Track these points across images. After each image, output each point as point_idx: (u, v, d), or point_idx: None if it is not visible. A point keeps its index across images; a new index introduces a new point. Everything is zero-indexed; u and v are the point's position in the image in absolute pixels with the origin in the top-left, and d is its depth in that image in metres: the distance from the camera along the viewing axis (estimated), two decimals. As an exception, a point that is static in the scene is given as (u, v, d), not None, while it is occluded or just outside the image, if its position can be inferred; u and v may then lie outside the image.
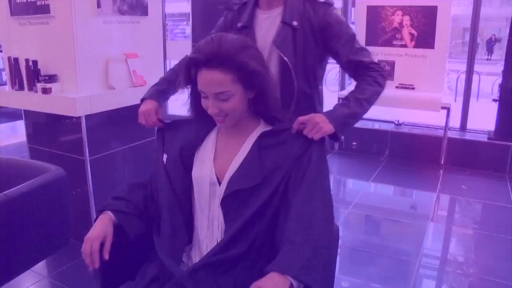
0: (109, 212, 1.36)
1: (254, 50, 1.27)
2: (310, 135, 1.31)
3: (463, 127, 4.79)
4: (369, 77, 1.56)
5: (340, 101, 1.56)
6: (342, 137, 1.46)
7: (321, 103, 1.75)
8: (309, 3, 1.58)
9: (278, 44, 1.57)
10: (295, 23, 1.57)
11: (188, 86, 1.33)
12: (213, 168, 1.32)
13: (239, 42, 1.23)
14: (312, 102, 1.70)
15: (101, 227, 1.33)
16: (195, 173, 1.35)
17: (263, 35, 1.63)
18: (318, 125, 1.32)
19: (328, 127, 1.36)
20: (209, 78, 1.19)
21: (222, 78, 1.18)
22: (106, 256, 1.29)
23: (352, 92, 1.55)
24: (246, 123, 1.33)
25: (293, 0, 1.58)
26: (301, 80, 1.61)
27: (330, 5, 1.59)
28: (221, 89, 1.20)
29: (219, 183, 1.30)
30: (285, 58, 1.57)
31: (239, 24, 1.66)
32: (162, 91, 1.69)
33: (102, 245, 1.30)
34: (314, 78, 1.66)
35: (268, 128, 1.34)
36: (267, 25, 1.63)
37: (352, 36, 1.61)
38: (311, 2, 1.58)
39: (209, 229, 1.32)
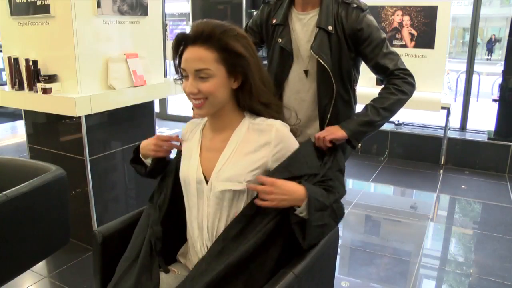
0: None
1: (242, 37, 1.24)
2: (322, 136, 1.47)
3: (463, 127, 4.79)
4: (392, 85, 1.61)
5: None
6: (359, 144, 1.57)
7: (356, 103, 1.80)
8: (343, 7, 1.60)
9: (316, 49, 1.59)
10: (330, 27, 1.58)
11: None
12: (199, 166, 1.30)
13: (228, 26, 1.23)
14: (349, 103, 1.73)
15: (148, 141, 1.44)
16: (182, 171, 1.34)
17: (298, 35, 1.66)
18: (330, 131, 1.50)
19: (340, 133, 1.52)
20: (192, 54, 1.19)
21: (205, 55, 1.18)
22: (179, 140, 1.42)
23: (372, 100, 1.62)
24: (231, 118, 1.30)
25: (328, 4, 1.60)
26: (338, 83, 1.64)
27: (363, 10, 1.60)
28: (201, 66, 1.18)
29: (206, 181, 1.28)
30: (324, 64, 1.59)
31: (274, 21, 1.68)
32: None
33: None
34: (350, 81, 1.68)
35: (253, 119, 1.30)
36: (301, 26, 1.66)
37: (382, 41, 1.62)
38: (345, 7, 1.60)
39: (200, 230, 1.30)
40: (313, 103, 1.71)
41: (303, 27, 1.66)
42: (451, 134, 4.58)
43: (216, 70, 1.19)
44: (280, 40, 1.68)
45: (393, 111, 1.62)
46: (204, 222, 1.28)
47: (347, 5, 1.60)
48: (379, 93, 1.64)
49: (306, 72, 1.68)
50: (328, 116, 1.68)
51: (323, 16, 1.59)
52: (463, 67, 5.07)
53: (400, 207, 3.57)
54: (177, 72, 1.31)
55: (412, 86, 1.64)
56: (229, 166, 1.25)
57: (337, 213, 1.30)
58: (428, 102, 4.18)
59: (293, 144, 1.30)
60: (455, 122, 4.81)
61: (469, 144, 4.48)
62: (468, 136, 4.60)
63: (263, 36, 1.81)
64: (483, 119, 5.64)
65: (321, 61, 1.59)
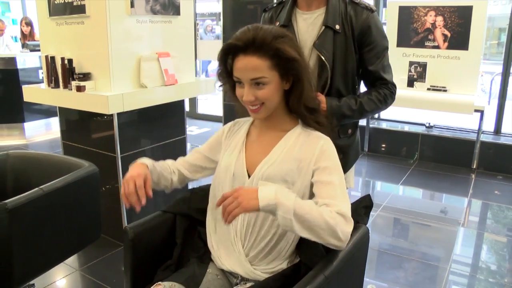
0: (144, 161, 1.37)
1: (290, 39, 1.27)
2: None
3: (497, 130, 4.65)
4: (382, 92, 1.61)
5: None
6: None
7: None
8: (351, 6, 1.57)
9: (318, 45, 1.57)
10: (337, 26, 1.56)
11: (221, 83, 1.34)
12: (244, 159, 1.33)
13: (275, 30, 1.25)
14: None
15: (138, 168, 1.31)
16: (224, 162, 1.36)
17: (303, 35, 1.63)
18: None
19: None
20: (246, 64, 1.21)
21: (259, 64, 1.20)
22: (150, 192, 1.27)
23: (364, 96, 1.62)
24: (282, 119, 1.33)
25: (334, 3, 1.57)
26: (339, 82, 1.61)
27: (373, 11, 1.58)
28: (257, 75, 1.21)
29: (248, 175, 1.31)
30: (323, 58, 1.56)
31: (277, 24, 1.66)
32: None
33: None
34: (353, 81, 1.65)
35: (305, 127, 1.33)
36: (307, 26, 1.63)
37: (385, 50, 1.61)
38: (354, 6, 1.57)
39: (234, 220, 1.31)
40: None
41: (309, 26, 1.62)
42: (485, 138, 4.46)
43: (270, 77, 1.22)
44: None
45: (365, 116, 1.67)
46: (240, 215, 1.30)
47: (356, 4, 1.57)
48: (370, 94, 1.63)
49: None
50: None
51: (330, 15, 1.56)
52: (498, 69, 4.93)
53: (430, 211, 3.50)
54: (219, 78, 1.33)
55: (392, 102, 1.66)
56: (274, 165, 1.27)
57: None
58: (461, 104, 4.09)
59: (334, 157, 1.30)
60: (489, 125, 4.68)
61: (503, 148, 4.35)
62: (502, 140, 4.47)
63: None
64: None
65: (321, 56, 1.55)
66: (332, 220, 1.12)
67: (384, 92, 1.61)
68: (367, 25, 1.55)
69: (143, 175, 1.28)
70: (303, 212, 1.10)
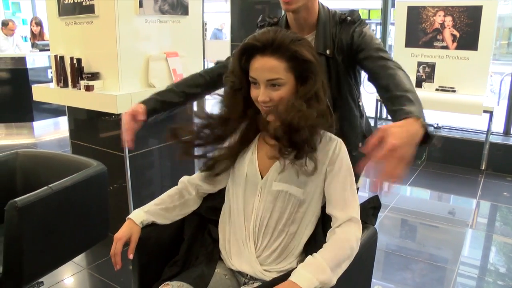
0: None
1: (307, 43, 1.28)
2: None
3: (507, 131, 4.61)
4: (393, 65, 1.37)
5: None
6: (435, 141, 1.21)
7: (362, 117, 1.67)
8: (340, 25, 1.50)
9: None
10: (328, 51, 1.50)
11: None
12: (256, 161, 1.33)
13: (293, 34, 1.27)
14: (355, 121, 1.62)
15: (125, 229, 1.37)
16: (237, 162, 1.36)
17: None
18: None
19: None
20: (263, 64, 1.21)
21: (276, 65, 1.21)
22: (130, 257, 1.35)
23: (403, 90, 1.29)
24: None
25: (324, 25, 1.50)
26: (340, 106, 1.53)
27: (357, 22, 1.48)
28: (274, 76, 1.21)
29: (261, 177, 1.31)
30: None
31: None
32: (160, 102, 1.61)
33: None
34: (353, 100, 1.58)
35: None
36: None
37: (381, 45, 1.47)
38: (342, 24, 1.50)
39: (247, 221, 1.33)
40: None
41: None
42: (494, 139, 4.42)
43: (286, 79, 1.22)
44: None
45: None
46: (253, 215, 1.31)
47: (344, 22, 1.49)
48: (396, 77, 1.33)
49: None
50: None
51: (321, 40, 1.49)
52: (508, 69, 4.89)
53: (438, 212, 3.48)
54: (230, 76, 1.32)
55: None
56: (289, 167, 1.26)
57: None
58: (469, 105, 4.06)
59: (347, 159, 1.30)
60: (498, 126, 4.64)
61: (513, 150, 4.31)
62: (511, 141, 4.43)
63: None
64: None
65: None
66: (349, 247, 1.18)
67: (394, 64, 1.38)
68: (357, 35, 1.45)
69: (126, 237, 1.35)
70: (339, 271, 1.14)
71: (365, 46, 1.43)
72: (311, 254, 1.16)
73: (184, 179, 1.48)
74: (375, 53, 1.41)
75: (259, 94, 1.24)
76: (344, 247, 1.17)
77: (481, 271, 2.67)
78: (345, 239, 1.19)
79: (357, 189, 1.44)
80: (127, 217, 1.39)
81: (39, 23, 6.54)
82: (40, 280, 1.96)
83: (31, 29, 6.63)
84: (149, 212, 1.40)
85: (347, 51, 1.48)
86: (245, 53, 1.25)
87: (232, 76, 1.30)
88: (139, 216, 1.38)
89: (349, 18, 1.50)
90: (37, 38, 6.52)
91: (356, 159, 1.36)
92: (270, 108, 1.24)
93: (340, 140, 1.31)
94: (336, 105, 1.51)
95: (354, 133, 1.59)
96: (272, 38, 1.20)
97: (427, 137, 1.12)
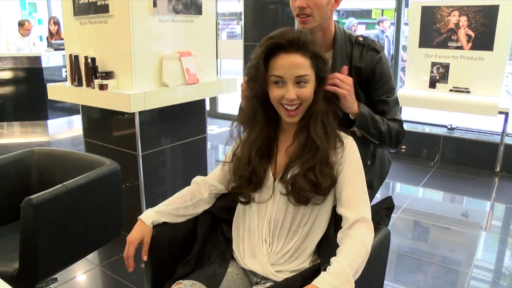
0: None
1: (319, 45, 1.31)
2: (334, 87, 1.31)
3: (522, 133, 4.55)
4: (396, 127, 1.51)
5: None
6: (355, 129, 1.42)
7: None
8: (357, 48, 1.50)
9: None
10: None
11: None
12: (273, 162, 1.33)
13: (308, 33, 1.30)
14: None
15: (137, 231, 1.38)
16: None
17: None
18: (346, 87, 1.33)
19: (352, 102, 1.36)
20: (290, 61, 1.22)
21: (303, 61, 1.22)
22: (144, 258, 1.36)
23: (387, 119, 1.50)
24: None
25: (341, 46, 1.51)
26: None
27: (378, 52, 1.50)
28: (302, 72, 1.22)
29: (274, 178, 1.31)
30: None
31: None
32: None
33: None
34: None
35: None
36: None
37: (391, 90, 1.54)
38: (359, 47, 1.50)
39: (261, 221, 1.33)
40: None
41: None
42: (509, 140, 4.36)
43: (311, 75, 1.24)
44: None
45: (387, 139, 1.50)
46: (267, 217, 1.31)
47: (361, 46, 1.50)
48: (391, 126, 1.51)
49: None
50: None
51: (338, 60, 1.49)
52: (524, 70, 4.82)
53: (451, 214, 3.44)
54: (251, 74, 1.29)
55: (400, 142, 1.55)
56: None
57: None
58: (484, 106, 4.01)
59: (358, 157, 1.30)
60: (513, 128, 4.58)
61: (528, 152, 4.25)
62: (527, 143, 4.37)
63: None
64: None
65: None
66: (365, 253, 1.17)
67: (397, 127, 1.52)
68: (373, 68, 1.48)
69: (138, 240, 1.35)
70: (356, 277, 1.13)
71: (380, 85, 1.50)
72: (333, 258, 1.15)
73: (198, 179, 1.48)
74: (381, 97, 1.50)
75: (283, 94, 1.23)
76: (361, 253, 1.16)
77: (496, 274, 2.64)
78: (362, 244, 1.17)
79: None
80: (138, 217, 1.40)
81: (57, 22, 6.66)
82: (54, 276, 1.98)
83: (49, 28, 6.75)
84: (160, 213, 1.41)
85: (366, 76, 1.50)
86: (268, 51, 1.24)
87: (255, 75, 1.26)
88: (149, 216, 1.39)
89: (370, 45, 1.50)
90: (54, 37, 6.64)
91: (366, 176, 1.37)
92: (295, 107, 1.23)
93: (350, 138, 1.31)
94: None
95: (365, 151, 1.58)
96: (297, 36, 1.22)
97: None
